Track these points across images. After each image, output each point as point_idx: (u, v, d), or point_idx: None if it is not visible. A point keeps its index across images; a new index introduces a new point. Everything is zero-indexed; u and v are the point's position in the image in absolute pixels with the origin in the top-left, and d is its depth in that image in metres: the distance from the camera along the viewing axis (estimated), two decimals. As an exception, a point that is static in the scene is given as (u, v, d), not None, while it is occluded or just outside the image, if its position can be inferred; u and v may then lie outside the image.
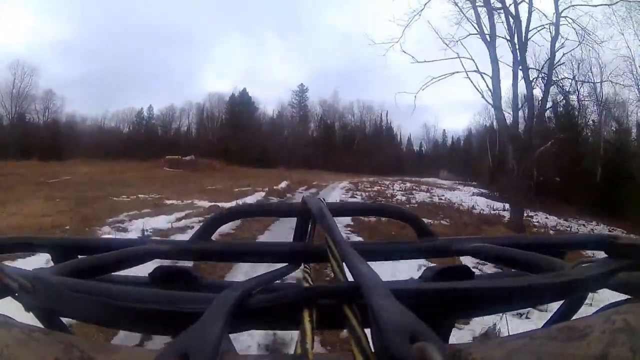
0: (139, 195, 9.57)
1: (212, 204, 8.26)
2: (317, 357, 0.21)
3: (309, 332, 0.22)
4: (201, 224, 0.45)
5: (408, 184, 20.10)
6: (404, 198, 13.35)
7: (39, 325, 0.28)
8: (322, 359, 0.27)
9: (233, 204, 7.75)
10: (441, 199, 14.09)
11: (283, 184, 14.64)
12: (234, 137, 43.38)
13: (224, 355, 0.20)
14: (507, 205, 12.07)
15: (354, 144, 48.45)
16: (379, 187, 17.66)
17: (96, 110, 45.67)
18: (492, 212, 11.81)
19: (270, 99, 60.84)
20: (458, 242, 0.44)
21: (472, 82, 9.47)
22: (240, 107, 48.45)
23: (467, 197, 15.94)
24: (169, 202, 8.73)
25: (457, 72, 9.70)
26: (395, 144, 53.49)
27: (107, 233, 5.32)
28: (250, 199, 9.60)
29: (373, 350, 0.19)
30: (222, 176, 18.75)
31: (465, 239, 0.44)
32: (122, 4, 63.14)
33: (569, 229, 11.24)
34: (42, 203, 7.82)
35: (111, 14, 62.41)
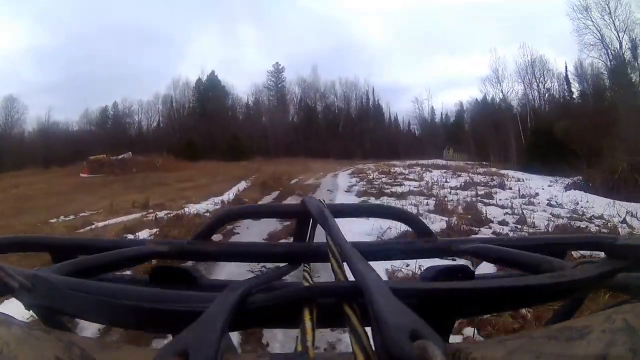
0: None
1: None
2: (317, 355, 0.21)
3: (310, 330, 0.22)
4: (202, 224, 0.43)
5: (437, 172, 13.78)
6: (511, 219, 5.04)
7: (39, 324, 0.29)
8: (322, 357, 0.27)
9: None
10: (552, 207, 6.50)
11: (227, 195, 8.01)
12: (201, 127, 37.01)
13: (224, 354, 0.20)
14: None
15: (340, 126, 42.38)
16: (418, 184, 9.32)
17: (69, 115, 41.20)
18: None
19: (245, 85, 53.78)
20: (458, 242, 0.43)
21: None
22: (209, 92, 41.56)
23: (560, 193, 8.22)
24: None
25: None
26: (386, 123, 47.54)
27: None
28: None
29: (374, 348, 0.19)
30: (154, 180, 12.25)
31: (465, 240, 0.43)
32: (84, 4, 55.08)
33: None
34: None
35: (75, 14, 55.13)
